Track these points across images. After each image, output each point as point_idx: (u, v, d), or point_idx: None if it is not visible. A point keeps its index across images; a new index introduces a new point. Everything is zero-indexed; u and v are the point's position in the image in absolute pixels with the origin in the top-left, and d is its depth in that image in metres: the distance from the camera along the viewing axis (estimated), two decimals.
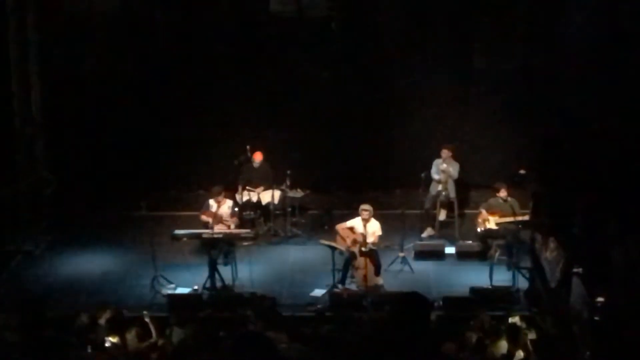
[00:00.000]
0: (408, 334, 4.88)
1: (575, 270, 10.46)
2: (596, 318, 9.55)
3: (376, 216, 13.44)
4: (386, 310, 9.14)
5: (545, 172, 12.43)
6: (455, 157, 14.89)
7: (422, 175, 14.50)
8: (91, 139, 15.74)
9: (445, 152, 14.76)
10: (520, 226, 13.54)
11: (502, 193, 14.00)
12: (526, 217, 13.59)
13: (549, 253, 11.62)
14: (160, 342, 10.45)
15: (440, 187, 14.83)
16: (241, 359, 5.23)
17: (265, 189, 15.17)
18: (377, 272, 13.22)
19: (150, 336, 10.59)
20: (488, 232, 14.01)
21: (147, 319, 10.98)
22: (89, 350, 9.72)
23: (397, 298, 5.33)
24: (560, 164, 11.62)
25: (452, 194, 14.92)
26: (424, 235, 15.00)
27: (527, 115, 15.34)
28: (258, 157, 15.21)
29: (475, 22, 15.62)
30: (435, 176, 14.88)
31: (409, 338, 4.88)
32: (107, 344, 9.92)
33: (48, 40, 15.35)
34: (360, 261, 13.07)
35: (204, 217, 14.02)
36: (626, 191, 9.56)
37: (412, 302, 5.04)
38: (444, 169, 14.76)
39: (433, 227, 15.00)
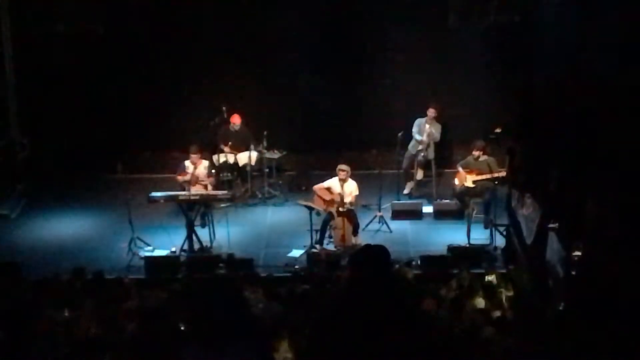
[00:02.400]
0: (373, 286, 4.86)
1: (551, 225, 10.51)
2: (572, 272, 9.60)
3: (353, 176, 13.44)
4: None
5: (521, 128, 12.44)
6: (438, 118, 14.86)
7: (399, 135, 14.46)
8: (65, 102, 15.59)
9: (431, 112, 14.68)
10: (497, 183, 13.59)
11: (479, 151, 13.99)
12: (503, 174, 13.61)
13: (525, 209, 11.66)
14: (137, 303, 10.44)
15: (420, 147, 14.80)
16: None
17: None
18: (355, 232, 13.26)
19: (130, 299, 10.57)
20: (465, 191, 14.04)
21: (126, 281, 10.96)
22: (66, 314, 9.68)
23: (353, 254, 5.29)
24: (535, 120, 11.64)
25: (431, 155, 14.90)
26: (406, 191, 15.02)
27: (502, 73, 15.28)
28: (236, 120, 15.08)
29: None
30: (417, 136, 14.82)
31: (377, 292, 4.85)
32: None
33: (19, 1, 15.14)
34: (338, 221, 13.10)
35: (180, 179, 13.95)
36: (600, 146, 9.57)
37: (368, 254, 5.02)
38: (429, 133, 14.68)
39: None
